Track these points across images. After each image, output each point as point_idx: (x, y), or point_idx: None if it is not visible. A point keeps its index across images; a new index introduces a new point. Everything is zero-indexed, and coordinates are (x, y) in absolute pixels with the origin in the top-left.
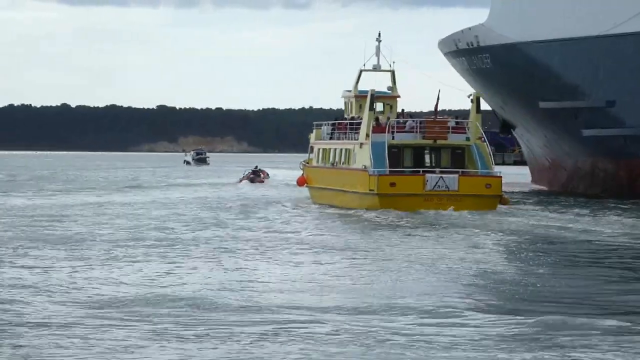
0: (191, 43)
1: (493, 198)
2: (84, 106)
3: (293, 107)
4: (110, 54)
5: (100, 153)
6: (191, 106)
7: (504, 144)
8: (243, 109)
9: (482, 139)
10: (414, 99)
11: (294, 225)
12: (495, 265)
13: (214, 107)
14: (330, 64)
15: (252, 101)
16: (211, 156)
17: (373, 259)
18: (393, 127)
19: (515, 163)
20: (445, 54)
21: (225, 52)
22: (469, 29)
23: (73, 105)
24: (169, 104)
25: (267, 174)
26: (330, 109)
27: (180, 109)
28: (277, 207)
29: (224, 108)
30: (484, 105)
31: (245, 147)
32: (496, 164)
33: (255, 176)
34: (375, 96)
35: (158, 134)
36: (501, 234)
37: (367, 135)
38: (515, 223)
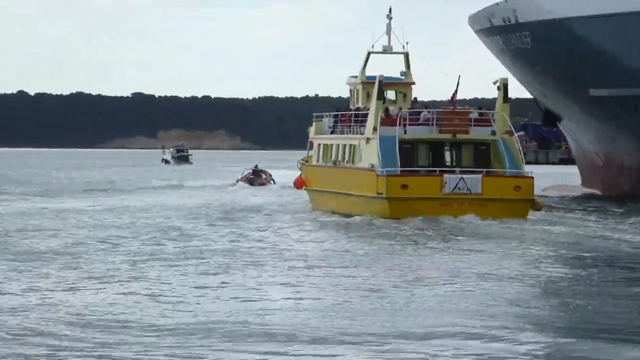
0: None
1: (523, 203)
2: (44, 94)
3: (295, 95)
4: (75, 33)
5: (62, 150)
6: (173, 94)
7: (548, 138)
8: (236, 97)
9: (511, 132)
10: (429, 86)
11: (286, 237)
12: (533, 286)
13: (200, 95)
14: (341, 44)
15: (247, 88)
16: (195, 154)
17: (388, 278)
18: (405, 119)
19: (562, 162)
20: (477, 32)
21: (208, 25)
22: (506, 1)
23: (31, 93)
24: (147, 91)
25: (270, 175)
26: (340, 97)
27: (160, 97)
28: (265, 215)
29: (213, 96)
30: (522, 93)
31: (238, 142)
32: (539, 163)
33: (256, 177)
34: (385, 83)
35: (133, 127)
36: (536, 246)
37: (375, 128)
38: (552, 233)
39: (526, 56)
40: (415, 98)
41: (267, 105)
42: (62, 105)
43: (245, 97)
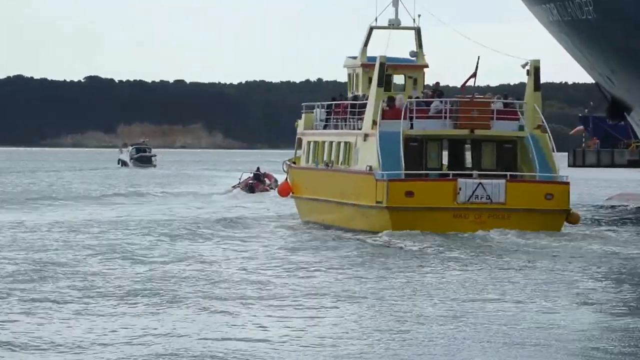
0: None
1: (556, 214)
2: None
3: (292, 80)
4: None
5: None
6: (137, 77)
7: (613, 134)
8: (216, 82)
9: (543, 128)
10: (448, 69)
11: (257, 262)
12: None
13: (171, 80)
14: (355, 11)
15: (230, 71)
16: (164, 154)
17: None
18: (412, 111)
19: (632, 164)
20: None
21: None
22: None
23: None
24: (104, 74)
25: (275, 181)
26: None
27: (120, 81)
28: (238, 230)
29: (188, 81)
30: (582, 77)
31: (219, 140)
32: (602, 165)
33: (259, 182)
34: (390, 65)
35: (86, 121)
36: (576, 268)
37: (375, 122)
38: (592, 252)
39: (587, 30)
40: (437, 83)
41: (255, 93)
42: None
43: (228, 82)
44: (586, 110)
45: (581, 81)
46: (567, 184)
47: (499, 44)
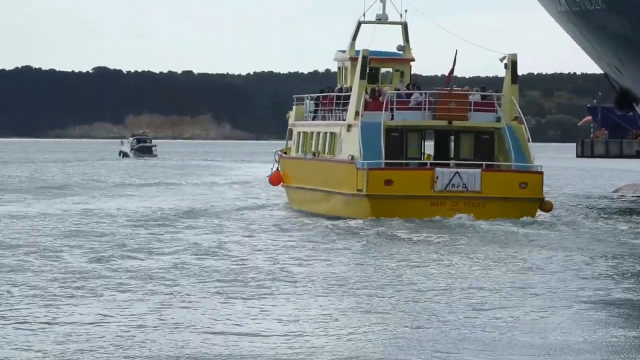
0: None
1: (530, 202)
2: None
3: (300, 71)
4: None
5: (4, 140)
6: (145, 68)
7: (622, 125)
8: (225, 73)
9: (520, 119)
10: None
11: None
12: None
13: (179, 71)
14: (360, 6)
15: (238, 62)
16: (172, 145)
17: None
18: (392, 103)
19: None
20: None
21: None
22: None
23: None
24: (113, 65)
25: None
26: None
27: (128, 72)
28: (224, 218)
29: (196, 72)
30: (591, 67)
31: (227, 131)
32: (611, 156)
33: None
34: (378, 59)
35: (95, 111)
36: (552, 255)
37: (357, 113)
38: (566, 239)
39: (596, 20)
40: (414, 76)
41: (263, 84)
42: (1, 83)
43: (236, 73)
44: (594, 101)
45: (590, 72)
46: (541, 173)
47: (485, 35)
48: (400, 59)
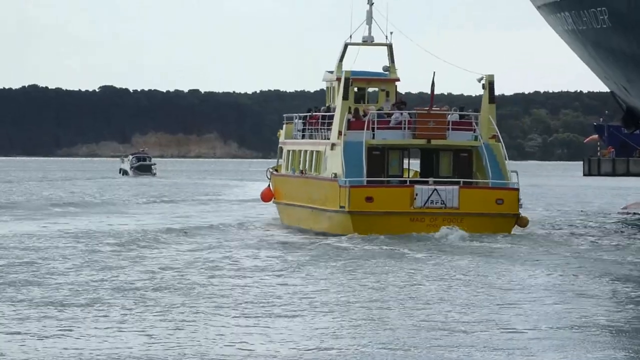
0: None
1: (506, 218)
2: None
3: (307, 89)
4: (25, 10)
5: (9, 159)
6: (152, 87)
7: (629, 143)
8: (231, 91)
9: (497, 137)
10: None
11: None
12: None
13: (186, 89)
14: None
15: (245, 80)
16: (177, 163)
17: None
18: (374, 122)
19: None
20: (540, 7)
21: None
22: None
23: None
24: (119, 84)
25: None
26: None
27: (135, 91)
28: (216, 235)
29: (202, 90)
30: (597, 86)
31: (234, 149)
32: (618, 174)
33: None
34: (364, 79)
35: (101, 130)
36: (524, 268)
37: (340, 132)
38: (534, 253)
39: (602, 38)
40: (399, 95)
41: (270, 103)
42: (8, 102)
43: (243, 92)
44: (601, 119)
45: (596, 90)
46: (517, 190)
47: (488, 54)
48: (386, 79)
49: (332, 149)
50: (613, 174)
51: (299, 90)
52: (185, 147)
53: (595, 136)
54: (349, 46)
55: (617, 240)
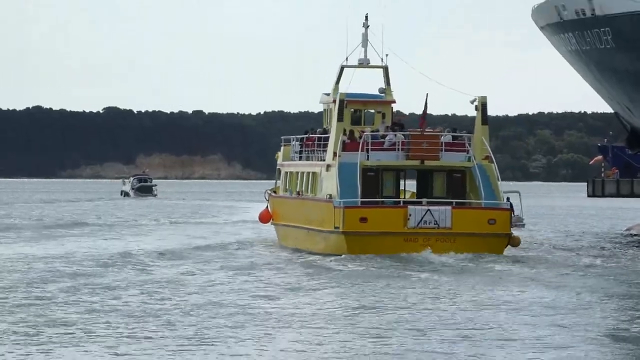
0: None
1: (498, 238)
2: None
3: (310, 110)
4: (29, 33)
5: (14, 180)
6: (156, 108)
7: (633, 164)
8: (235, 112)
9: (490, 158)
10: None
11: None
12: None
13: (190, 110)
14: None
15: (249, 101)
16: (181, 185)
17: None
18: (368, 144)
19: None
20: (543, 28)
21: (198, 21)
22: None
23: None
24: (123, 105)
25: None
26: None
27: (139, 112)
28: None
29: (206, 111)
30: (601, 106)
31: (238, 170)
32: (622, 195)
33: None
34: (361, 101)
35: (105, 152)
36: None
37: (335, 154)
38: (528, 274)
39: (606, 58)
40: (398, 117)
41: (274, 123)
42: (12, 123)
43: (247, 113)
44: (605, 140)
45: (600, 111)
46: (509, 210)
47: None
48: (382, 101)
49: (327, 170)
50: (617, 194)
51: (302, 111)
52: (190, 169)
53: (600, 157)
54: (345, 69)
55: (622, 261)
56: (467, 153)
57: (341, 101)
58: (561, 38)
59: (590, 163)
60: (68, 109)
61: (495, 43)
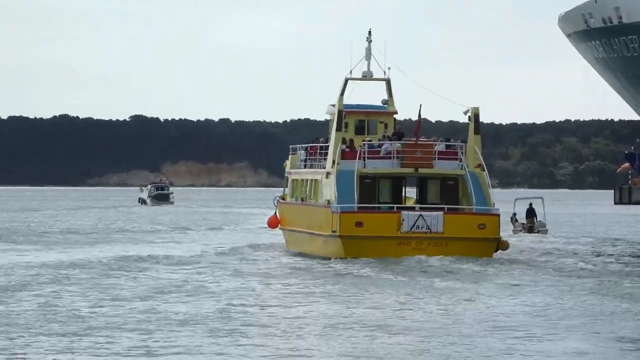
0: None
1: (488, 242)
2: (19, 117)
3: None
4: (49, 38)
5: (39, 188)
6: (182, 116)
7: None
8: (261, 120)
9: (482, 166)
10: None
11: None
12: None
13: (217, 119)
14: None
15: (274, 109)
16: (206, 192)
17: None
18: (365, 152)
19: None
20: (569, 36)
21: (225, 30)
22: None
23: (4, 117)
24: (150, 113)
25: None
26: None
27: (166, 120)
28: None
29: (233, 119)
30: (628, 114)
31: (264, 178)
32: None
33: None
34: (366, 112)
35: (131, 160)
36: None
37: (334, 162)
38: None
39: (633, 65)
40: (399, 127)
41: (300, 131)
42: (39, 131)
43: (273, 121)
44: (632, 147)
45: (627, 118)
46: (498, 215)
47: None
48: (385, 112)
49: (327, 177)
50: None
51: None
52: (216, 176)
53: (627, 164)
54: (349, 81)
55: (611, 267)
56: (460, 161)
57: (340, 112)
58: (588, 46)
59: (617, 171)
60: (95, 117)
61: (523, 54)
